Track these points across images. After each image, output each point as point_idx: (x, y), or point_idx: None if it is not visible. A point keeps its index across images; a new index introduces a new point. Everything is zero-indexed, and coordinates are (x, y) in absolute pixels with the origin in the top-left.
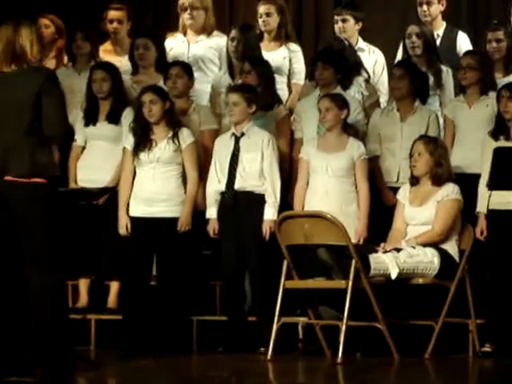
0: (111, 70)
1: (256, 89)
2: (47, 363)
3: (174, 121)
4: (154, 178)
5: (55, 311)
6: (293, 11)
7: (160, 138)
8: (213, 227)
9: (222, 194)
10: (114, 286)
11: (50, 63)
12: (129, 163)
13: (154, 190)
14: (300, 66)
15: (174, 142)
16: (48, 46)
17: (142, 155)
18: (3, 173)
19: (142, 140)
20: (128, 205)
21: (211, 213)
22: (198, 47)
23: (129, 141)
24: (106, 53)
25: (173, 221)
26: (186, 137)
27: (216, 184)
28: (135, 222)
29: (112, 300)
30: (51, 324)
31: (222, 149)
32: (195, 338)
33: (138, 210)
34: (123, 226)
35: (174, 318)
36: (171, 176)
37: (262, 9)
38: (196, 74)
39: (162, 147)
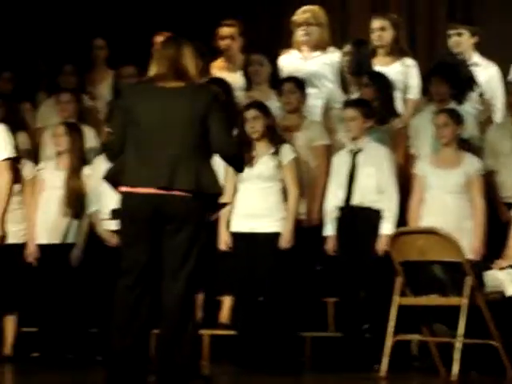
0: (224, 85)
1: (372, 103)
2: (164, 375)
3: (276, 137)
4: (256, 193)
5: (188, 324)
6: (406, 25)
7: (262, 153)
8: (332, 244)
9: (340, 209)
10: (227, 301)
11: None
12: (230, 179)
13: (256, 205)
14: (415, 81)
15: (275, 158)
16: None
17: (244, 171)
18: (169, 186)
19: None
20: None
21: (329, 230)
22: (313, 63)
23: None
24: (219, 69)
25: (275, 236)
26: (287, 153)
27: (334, 200)
28: (237, 237)
29: (225, 315)
30: (180, 337)
31: (339, 165)
32: (308, 355)
33: (240, 225)
34: (224, 242)
35: (284, 335)
36: (272, 192)
37: (375, 23)
38: (311, 90)
39: (264, 163)
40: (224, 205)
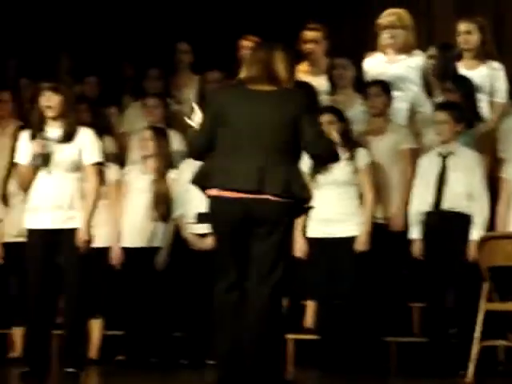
0: (309, 89)
1: (462, 107)
2: (250, 380)
3: (351, 142)
4: (332, 198)
5: (274, 328)
6: (492, 28)
7: None
8: (418, 247)
9: (428, 214)
10: (311, 306)
11: None
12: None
13: (332, 210)
14: (503, 85)
15: (350, 162)
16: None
17: (320, 176)
18: (258, 190)
19: None
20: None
21: (415, 233)
22: (398, 67)
23: (305, 163)
24: (303, 73)
25: (351, 240)
26: (362, 157)
27: (420, 204)
28: (314, 242)
29: (309, 319)
30: (266, 341)
31: (426, 168)
32: (393, 360)
33: (317, 230)
34: (299, 249)
35: (368, 339)
36: (348, 197)
37: (462, 27)
38: (396, 94)
39: (339, 168)
40: (308, 209)
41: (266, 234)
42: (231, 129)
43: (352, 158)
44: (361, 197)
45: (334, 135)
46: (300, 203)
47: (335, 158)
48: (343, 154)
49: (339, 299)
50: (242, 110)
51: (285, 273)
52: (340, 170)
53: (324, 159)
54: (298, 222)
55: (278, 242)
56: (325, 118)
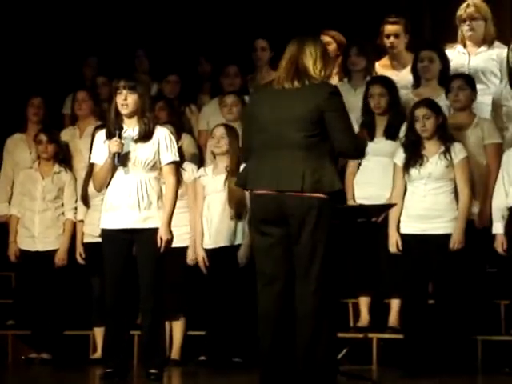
0: (388, 84)
1: None
2: (303, 376)
3: (446, 136)
4: (426, 194)
5: (321, 329)
6: None
7: (431, 153)
8: (501, 243)
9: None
10: (395, 304)
11: (333, 80)
12: (400, 179)
13: (426, 206)
14: None
15: (445, 157)
16: (331, 62)
17: (413, 171)
18: (279, 188)
19: (413, 155)
20: (399, 222)
21: (498, 228)
22: (479, 59)
23: (399, 156)
24: (384, 67)
25: (446, 237)
26: (458, 152)
27: (504, 198)
28: (407, 239)
29: (393, 318)
30: (315, 341)
31: (510, 162)
32: (480, 358)
33: (410, 227)
34: (394, 244)
35: (456, 338)
36: (443, 192)
37: None
38: (477, 87)
39: (434, 162)
40: (390, 206)
41: (297, 233)
42: (259, 130)
43: (447, 152)
44: (455, 192)
45: (429, 128)
46: (333, 197)
47: (360, 155)
48: (438, 147)
49: (428, 298)
50: (266, 110)
51: (325, 270)
52: (435, 164)
53: (348, 157)
54: (392, 217)
55: (309, 239)
56: (420, 112)
